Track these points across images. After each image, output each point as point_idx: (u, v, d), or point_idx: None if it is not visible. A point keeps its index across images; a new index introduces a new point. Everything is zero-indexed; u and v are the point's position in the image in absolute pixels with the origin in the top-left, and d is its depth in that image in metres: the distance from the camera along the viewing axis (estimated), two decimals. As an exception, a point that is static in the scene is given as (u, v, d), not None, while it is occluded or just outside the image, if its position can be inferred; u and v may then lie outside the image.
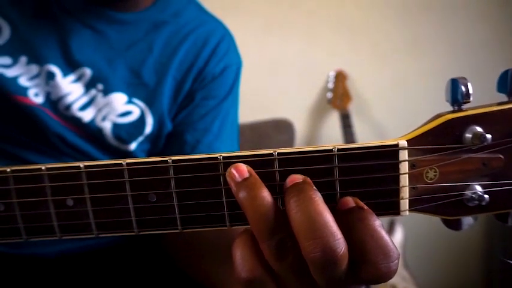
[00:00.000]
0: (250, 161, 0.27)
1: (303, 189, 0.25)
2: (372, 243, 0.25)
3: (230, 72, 0.61)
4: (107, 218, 0.29)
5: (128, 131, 0.55)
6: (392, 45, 1.37)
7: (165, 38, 0.57)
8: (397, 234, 1.31)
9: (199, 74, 0.58)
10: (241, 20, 1.29)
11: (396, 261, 0.25)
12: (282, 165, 0.27)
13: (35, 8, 0.52)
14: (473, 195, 0.28)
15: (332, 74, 1.36)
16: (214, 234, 0.48)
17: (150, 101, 0.56)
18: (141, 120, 0.56)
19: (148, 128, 0.56)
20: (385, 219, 1.35)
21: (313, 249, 0.24)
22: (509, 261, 0.32)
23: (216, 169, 0.28)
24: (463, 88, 0.28)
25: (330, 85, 1.36)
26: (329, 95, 1.35)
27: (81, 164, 0.28)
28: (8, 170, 0.28)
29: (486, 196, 0.28)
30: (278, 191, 0.28)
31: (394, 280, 1.18)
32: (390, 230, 1.32)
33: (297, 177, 0.26)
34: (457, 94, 0.28)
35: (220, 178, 0.28)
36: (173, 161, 0.28)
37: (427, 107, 1.38)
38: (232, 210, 0.28)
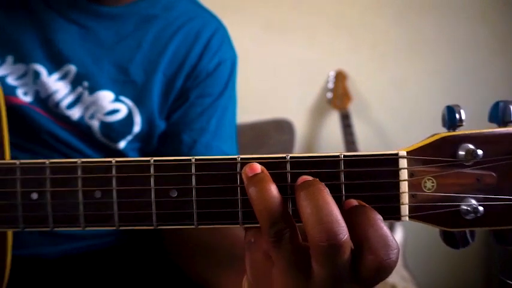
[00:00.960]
0: (265, 162, 0.30)
1: (312, 184, 0.28)
2: (372, 232, 0.27)
3: (225, 68, 0.59)
4: (129, 210, 0.31)
5: (115, 129, 0.54)
6: (392, 46, 1.39)
7: (155, 32, 0.55)
8: (397, 235, 1.32)
9: (192, 71, 0.56)
10: (241, 20, 1.29)
11: (396, 251, 0.27)
12: (293, 167, 0.30)
13: (19, 7, 0.52)
14: (469, 208, 0.30)
15: (332, 74, 1.37)
16: (213, 236, 0.49)
17: (139, 99, 0.55)
18: (129, 118, 0.55)
19: (137, 127, 0.56)
20: (386, 221, 1.36)
21: (318, 233, 0.26)
22: (509, 281, 0.34)
23: (234, 168, 0.30)
24: (457, 115, 0.31)
25: (330, 85, 1.37)
26: (329, 95, 1.36)
27: (113, 160, 0.30)
28: (47, 162, 0.31)
29: (481, 208, 0.30)
30: (289, 192, 0.30)
31: (394, 280, 1.18)
32: (390, 230, 1.33)
33: (307, 177, 0.29)
34: (452, 120, 0.31)
35: (237, 176, 0.30)
36: (196, 159, 0.30)
37: (426, 106, 1.41)
38: (245, 208, 0.31)
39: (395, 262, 0.28)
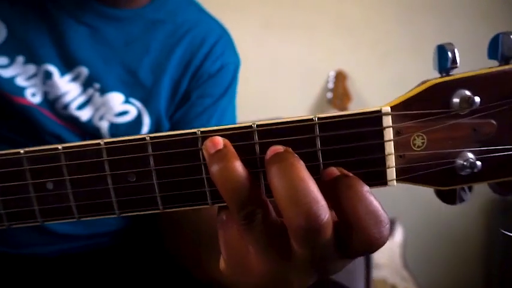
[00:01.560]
0: (228, 134, 0.27)
1: (284, 157, 0.24)
2: (363, 209, 0.24)
3: (227, 72, 0.60)
4: (87, 200, 0.28)
5: (124, 130, 0.55)
6: (393, 45, 1.37)
7: (162, 37, 0.57)
8: (397, 234, 1.29)
9: (196, 73, 0.58)
10: (241, 19, 1.30)
11: (387, 226, 0.24)
12: (262, 137, 0.27)
13: (31, 7, 0.52)
14: (465, 163, 0.27)
15: (332, 74, 1.36)
16: (201, 218, 0.48)
17: (147, 101, 0.56)
18: (138, 120, 0.55)
19: (145, 128, 0.56)
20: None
21: (296, 216, 0.23)
22: (509, 233, 0.30)
23: (195, 144, 0.27)
24: (450, 54, 0.27)
25: (330, 85, 1.35)
26: (329, 95, 1.35)
27: (60, 146, 0.28)
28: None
29: (478, 163, 0.27)
30: (259, 165, 0.27)
31: (394, 280, 1.16)
32: (390, 230, 1.30)
33: (278, 148, 0.25)
34: (443, 60, 0.27)
35: (199, 154, 0.27)
36: (151, 137, 0.27)
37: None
38: (213, 187, 0.27)
39: (387, 237, 0.25)
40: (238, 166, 0.25)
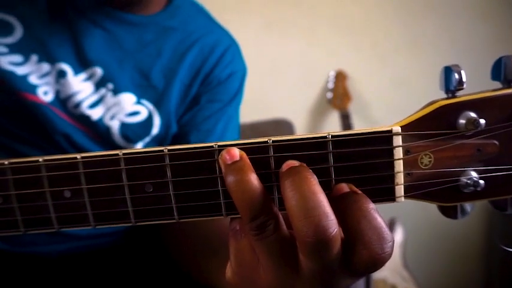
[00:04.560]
0: (245, 148, 0.27)
1: (298, 171, 0.25)
2: (365, 224, 0.25)
3: (235, 79, 0.62)
4: (104, 208, 0.29)
5: (135, 130, 0.56)
6: (393, 45, 1.37)
7: (174, 44, 0.58)
8: (397, 234, 1.31)
9: (206, 78, 0.60)
10: (241, 19, 1.30)
11: (390, 243, 0.25)
12: (277, 152, 0.28)
13: (48, 7, 0.53)
14: (469, 181, 0.28)
15: (332, 74, 1.37)
16: (206, 227, 0.49)
17: (158, 103, 0.57)
18: (149, 121, 0.57)
19: (155, 129, 0.57)
20: (385, 219, 1.34)
21: (305, 228, 0.24)
22: (508, 248, 0.31)
23: (212, 157, 0.28)
24: (456, 75, 0.28)
25: (330, 85, 1.36)
26: (329, 95, 1.35)
27: (78, 155, 0.28)
28: (6, 162, 0.28)
29: (481, 182, 0.28)
30: (274, 179, 0.28)
31: (394, 280, 1.17)
32: (390, 230, 1.31)
33: (293, 162, 0.27)
34: (450, 82, 0.28)
35: (215, 166, 0.28)
36: (169, 150, 0.28)
37: (427, 106, 1.39)
38: (228, 199, 0.28)
39: (390, 254, 0.26)
40: (253, 178, 0.26)
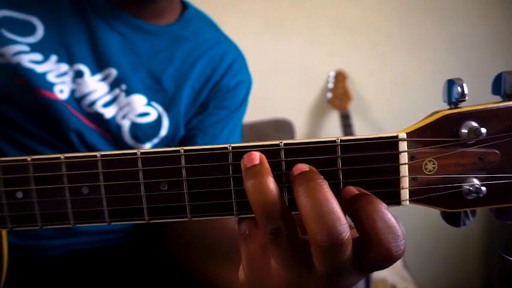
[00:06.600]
0: (257, 150, 0.29)
1: (311, 178, 0.27)
2: (382, 224, 0.26)
3: (242, 88, 0.66)
4: (119, 205, 0.30)
5: (144, 131, 0.58)
6: (393, 45, 1.38)
7: (185, 51, 0.62)
8: None
9: (215, 86, 0.63)
10: (241, 19, 1.30)
11: (404, 241, 0.26)
12: (288, 155, 0.29)
13: (69, 9, 0.56)
14: (471, 188, 0.29)
15: (332, 74, 1.37)
16: (210, 228, 0.51)
17: (168, 106, 0.60)
18: (158, 122, 0.59)
19: (164, 131, 0.60)
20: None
21: (319, 233, 0.25)
22: (508, 257, 0.33)
23: (226, 159, 0.29)
24: (459, 88, 0.29)
25: (330, 85, 1.37)
26: (329, 95, 1.36)
27: (98, 154, 0.29)
28: (29, 158, 0.30)
29: (483, 188, 0.29)
30: (284, 180, 0.29)
31: (394, 280, 1.18)
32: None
33: (304, 166, 0.28)
34: (453, 94, 0.29)
35: (229, 167, 0.29)
36: (185, 150, 0.29)
37: (427, 106, 1.38)
38: (239, 199, 0.29)
39: (404, 251, 0.27)
40: (271, 182, 0.27)
